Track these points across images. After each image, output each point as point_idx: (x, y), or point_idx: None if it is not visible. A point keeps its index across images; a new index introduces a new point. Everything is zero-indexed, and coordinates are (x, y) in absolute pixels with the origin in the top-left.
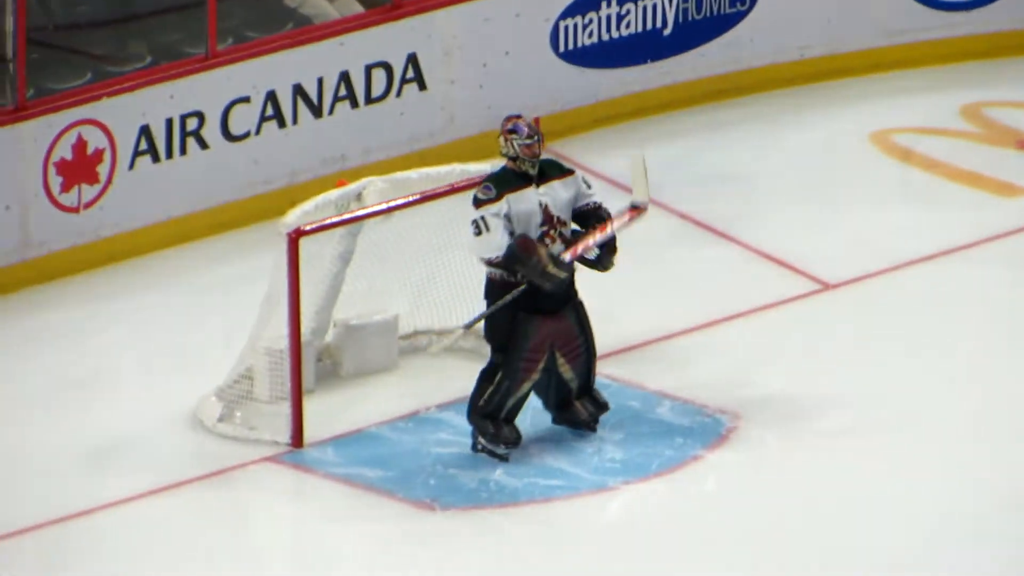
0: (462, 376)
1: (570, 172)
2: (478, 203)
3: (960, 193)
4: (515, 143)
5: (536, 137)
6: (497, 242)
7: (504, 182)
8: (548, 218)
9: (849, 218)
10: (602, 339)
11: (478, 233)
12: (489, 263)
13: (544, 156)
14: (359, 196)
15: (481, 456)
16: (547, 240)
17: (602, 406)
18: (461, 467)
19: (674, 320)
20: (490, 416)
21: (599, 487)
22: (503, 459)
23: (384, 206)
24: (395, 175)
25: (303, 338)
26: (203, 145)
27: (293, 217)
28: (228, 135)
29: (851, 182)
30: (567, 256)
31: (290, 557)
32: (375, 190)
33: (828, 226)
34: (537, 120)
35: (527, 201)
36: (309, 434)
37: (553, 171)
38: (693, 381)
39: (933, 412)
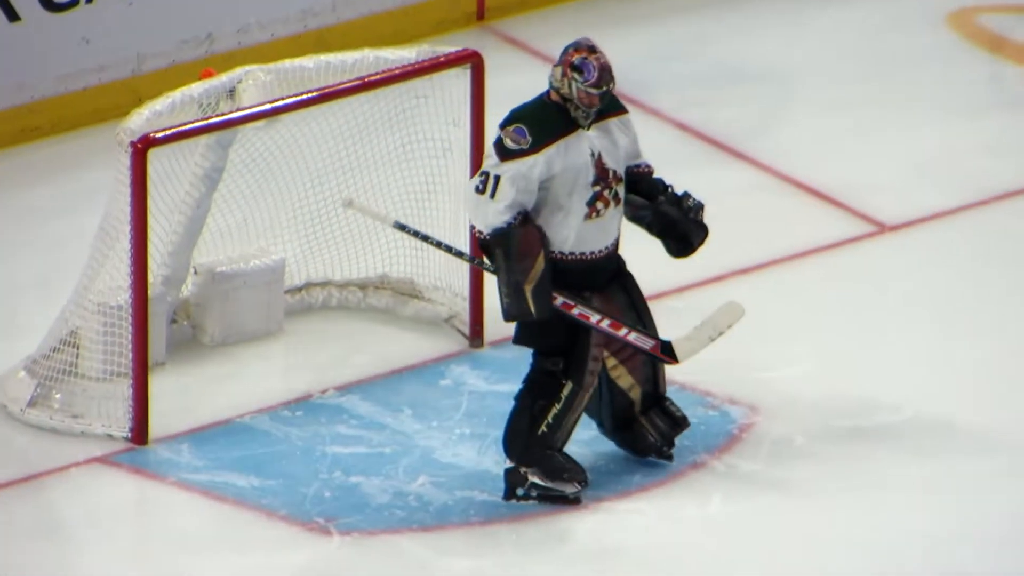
0: (372, 345)
1: (625, 109)
2: (503, 152)
3: None
4: (575, 85)
5: (606, 88)
6: (494, 215)
7: (544, 125)
8: (602, 173)
9: (914, 134)
10: None
11: (480, 190)
12: (473, 233)
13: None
14: (232, 92)
15: (394, 460)
16: (599, 205)
17: (679, 422)
18: (367, 473)
19: (670, 273)
20: (554, 447)
21: (562, 507)
22: (575, 502)
23: (267, 106)
24: (282, 63)
25: (152, 290)
26: (12, 16)
27: (139, 120)
28: (48, 3)
29: (918, 82)
30: (558, 301)
31: None
32: (254, 84)
33: (884, 145)
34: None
35: (577, 151)
36: (156, 426)
37: (609, 105)
38: (695, 360)
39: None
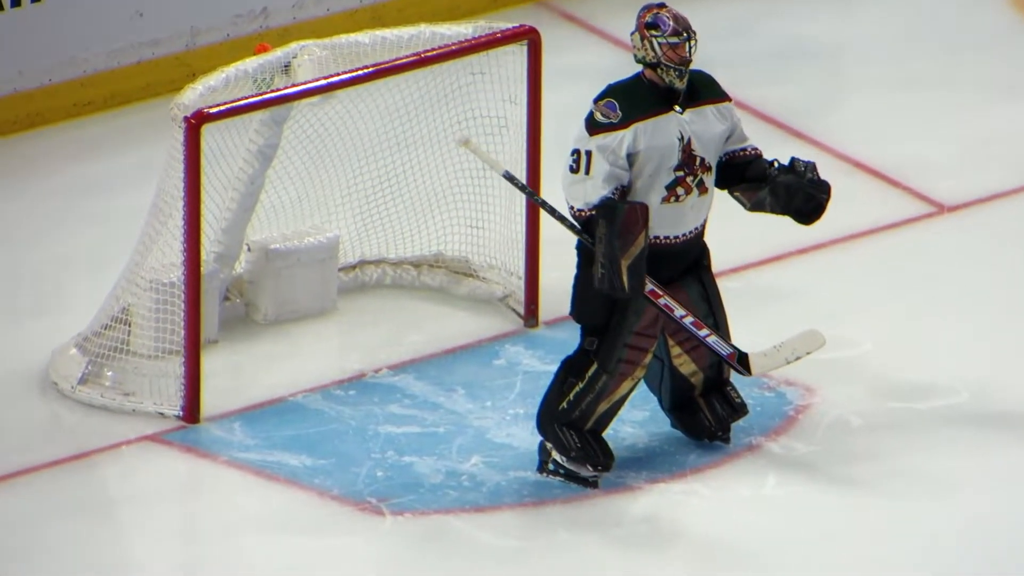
0: (426, 325)
1: (727, 97)
2: (592, 126)
3: None
4: (655, 43)
5: (686, 34)
6: (591, 191)
7: (636, 101)
8: (688, 159)
9: (973, 113)
10: None
11: (574, 169)
12: (572, 214)
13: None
14: (286, 68)
15: (447, 440)
16: (679, 190)
17: (738, 408)
18: (420, 453)
19: (726, 252)
20: (574, 426)
21: (613, 487)
22: (592, 485)
23: (322, 82)
24: (337, 39)
25: (204, 267)
26: None
27: (193, 96)
28: None
29: (977, 61)
30: (649, 285)
31: None
32: (309, 60)
33: (943, 125)
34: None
35: (665, 132)
36: (208, 404)
37: (707, 91)
38: (750, 338)
39: None
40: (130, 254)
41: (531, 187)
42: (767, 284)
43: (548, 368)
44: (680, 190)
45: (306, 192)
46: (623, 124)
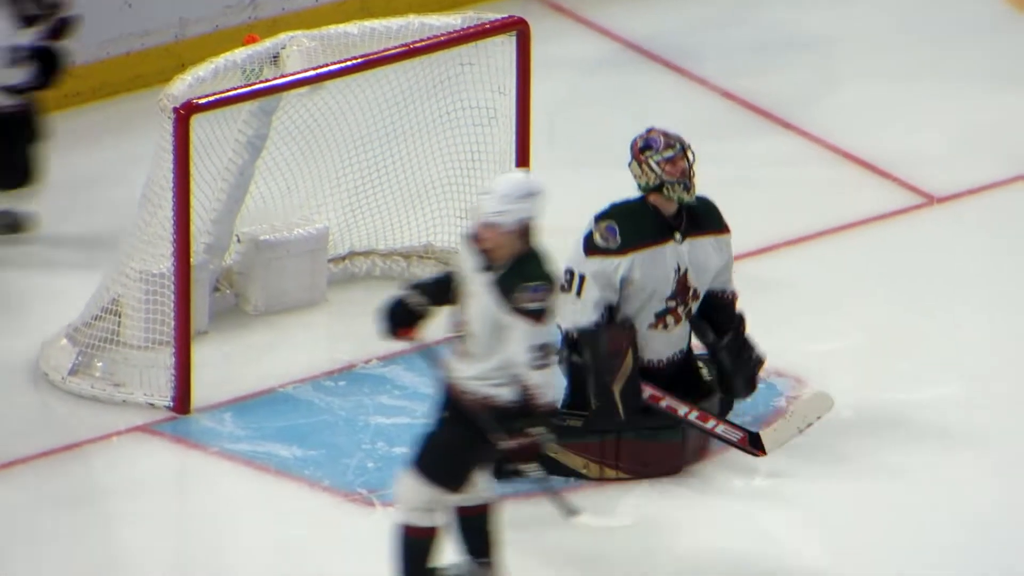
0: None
1: (726, 228)
2: (589, 247)
3: None
4: (652, 163)
5: (679, 146)
6: (580, 314)
7: (637, 228)
8: (682, 290)
9: (964, 105)
10: None
11: (565, 289)
12: (561, 331)
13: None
14: (276, 59)
15: None
16: (669, 319)
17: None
18: (410, 444)
19: None
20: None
21: (605, 478)
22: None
23: (311, 73)
24: (326, 29)
25: (194, 258)
26: None
27: (182, 86)
28: None
29: (969, 53)
30: (647, 392)
31: (166, 569)
32: (298, 50)
33: (933, 116)
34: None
35: (662, 264)
36: (198, 395)
37: (708, 221)
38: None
39: None
40: (120, 245)
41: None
42: (757, 275)
43: None
44: (670, 318)
45: (295, 183)
46: (620, 251)
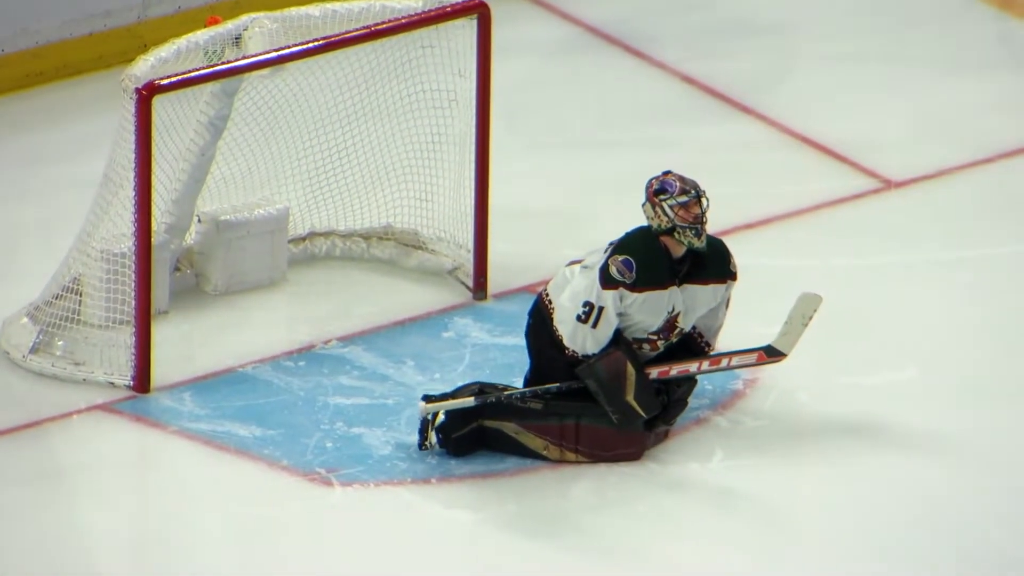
0: (375, 296)
1: (733, 276)
2: (606, 280)
3: None
4: (666, 207)
5: (694, 192)
6: (588, 343)
7: (651, 269)
8: (668, 327)
9: (921, 90)
10: (574, 248)
11: (582, 320)
12: (568, 350)
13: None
14: (237, 40)
15: (396, 412)
16: (645, 347)
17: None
18: (369, 424)
19: None
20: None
21: (562, 461)
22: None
23: (272, 55)
24: (288, 11)
25: (155, 238)
26: None
27: (144, 67)
28: None
29: (926, 38)
30: (653, 373)
31: (126, 547)
32: (260, 32)
33: (891, 101)
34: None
35: (658, 307)
36: (158, 374)
37: (716, 267)
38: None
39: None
40: (81, 224)
41: (479, 159)
42: None
43: (497, 341)
44: (646, 346)
45: (256, 164)
46: (634, 288)
